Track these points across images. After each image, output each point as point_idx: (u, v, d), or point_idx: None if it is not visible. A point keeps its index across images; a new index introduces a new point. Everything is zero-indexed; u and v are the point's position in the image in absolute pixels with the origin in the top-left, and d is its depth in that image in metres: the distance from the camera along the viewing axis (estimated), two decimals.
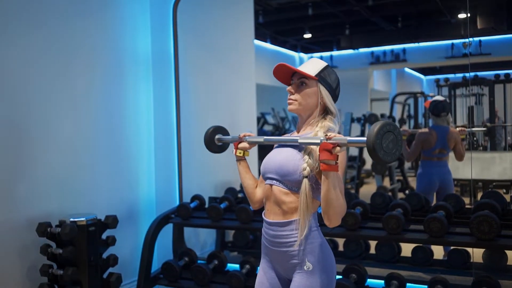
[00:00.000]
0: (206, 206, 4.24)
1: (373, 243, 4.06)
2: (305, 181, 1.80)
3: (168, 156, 4.43)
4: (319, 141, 1.72)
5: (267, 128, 9.38)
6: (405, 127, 8.17)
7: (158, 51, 4.40)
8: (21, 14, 3.31)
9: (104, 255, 3.51)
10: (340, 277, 3.29)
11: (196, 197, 4.25)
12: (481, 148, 5.14)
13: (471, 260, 3.63)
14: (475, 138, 5.12)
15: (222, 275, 3.76)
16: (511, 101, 4.92)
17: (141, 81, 4.33)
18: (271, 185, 1.93)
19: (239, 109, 5.41)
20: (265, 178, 1.97)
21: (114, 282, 3.48)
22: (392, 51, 9.55)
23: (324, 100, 1.90)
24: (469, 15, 4.98)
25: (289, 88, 1.95)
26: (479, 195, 4.68)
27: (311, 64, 1.95)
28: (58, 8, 3.57)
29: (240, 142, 2.15)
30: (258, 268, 2.10)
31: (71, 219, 3.24)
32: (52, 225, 3.26)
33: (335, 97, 1.93)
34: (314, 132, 1.88)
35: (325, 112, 1.94)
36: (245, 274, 3.60)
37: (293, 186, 1.86)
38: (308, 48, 11.31)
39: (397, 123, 7.51)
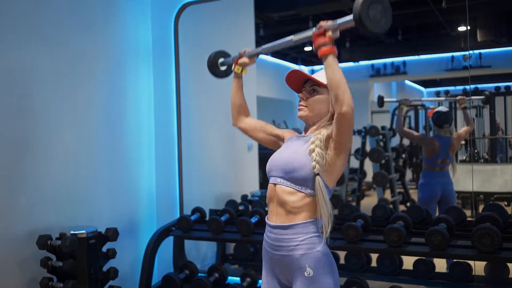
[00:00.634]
0: (207, 218, 4.23)
1: (374, 256, 4.05)
2: (318, 178, 1.82)
3: (168, 168, 4.43)
4: (311, 33, 1.76)
5: None
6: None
7: (159, 64, 4.41)
8: (22, 24, 3.33)
9: (105, 268, 3.50)
10: None
11: (196, 210, 4.24)
12: (482, 160, 5.13)
13: (473, 273, 3.62)
14: (476, 150, 5.11)
15: None
16: None
17: (142, 94, 4.34)
18: (274, 184, 1.93)
19: None
20: (269, 177, 1.98)
21: None
22: (392, 63, 9.56)
23: None
24: (469, 28, 5.00)
25: (300, 94, 1.98)
26: (481, 207, 4.66)
27: (324, 73, 1.97)
28: (60, 19, 3.60)
29: (240, 58, 2.20)
30: (260, 281, 2.09)
31: (72, 232, 3.24)
32: (52, 237, 3.25)
33: None
34: (319, 130, 1.92)
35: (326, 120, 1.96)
36: (246, 287, 3.59)
37: (298, 183, 1.86)
38: (309, 61, 11.32)
39: (397, 136, 7.52)
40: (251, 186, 5.50)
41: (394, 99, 5.40)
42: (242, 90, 2.26)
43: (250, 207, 4.46)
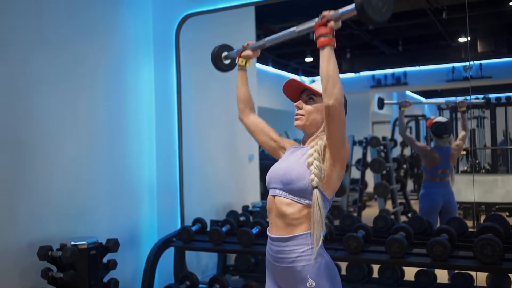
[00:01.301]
0: (208, 229, 4.23)
1: (375, 267, 4.03)
2: (316, 191, 1.82)
3: (169, 179, 4.43)
4: (314, 23, 1.77)
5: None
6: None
7: (161, 74, 4.44)
8: (23, 32, 3.35)
9: (105, 279, 3.49)
10: None
11: (197, 221, 4.23)
12: (483, 170, 5.12)
13: (475, 284, 3.60)
14: (477, 161, 5.10)
15: None
16: None
17: (144, 105, 4.35)
18: (273, 196, 1.94)
19: (241, 132, 5.38)
20: (269, 189, 1.99)
21: None
22: (393, 74, 9.57)
23: None
24: (469, 38, 5.02)
25: (297, 103, 1.99)
26: (482, 218, 4.64)
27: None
28: (60, 28, 3.63)
29: (243, 51, 2.20)
30: None
31: (72, 243, 3.24)
32: (53, 248, 3.24)
33: None
34: (315, 141, 1.91)
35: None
36: None
37: (296, 194, 1.87)
38: (309, 71, 11.34)
39: (398, 147, 7.52)
40: (252, 197, 5.49)
41: (395, 101, 5.40)
42: (247, 82, 2.29)
43: (251, 218, 4.45)
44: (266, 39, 2.16)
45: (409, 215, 6.77)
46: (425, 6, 6.22)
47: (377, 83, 9.96)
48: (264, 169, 6.25)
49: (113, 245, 3.48)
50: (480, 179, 4.80)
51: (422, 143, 4.56)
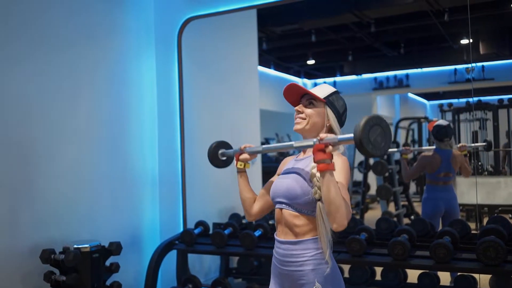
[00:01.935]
0: (210, 232, 4.23)
1: (378, 270, 4.02)
2: (319, 204, 1.83)
3: (172, 182, 4.43)
4: (312, 143, 1.77)
5: (271, 153, 9.39)
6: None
7: (163, 78, 4.44)
8: (23, 33, 3.35)
9: (108, 282, 3.49)
10: None
11: (200, 223, 4.24)
12: (486, 173, 5.12)
13: (478, 286, 3.59)
14: (480, 163, 5.10)
15: None
16: None
17: (145, 109, 4.36)
18: (281, 209, 1.95)
19: (243, 135, 5.42)
20: (275, 203, 2.01)
21: None
22: (395, 76, 9.57)
23: (331, 123, 1.95)
24: (471, 40, 5.01)
25: (297, 107, 2.00)
26: (485, 220, 4.63)
27: (321, 88, 2.01)
28: (62, 32, 3.63)
29: (241, 154, 2.19)
30: None
31: (75, 246, 3.24)
32: (55, 251, 3.25)
33: (341, 123, 2.00)
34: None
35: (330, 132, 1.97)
36: None
37: (302, 208, 1.89)
38: (311, 74, 11.36)
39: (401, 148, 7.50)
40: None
41: (396, 149, 5.42)
42: (249, 183, 2.23)
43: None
44: (263, 146, 2.17)
45: (412, 217, 6.77)
46: (426, 8, 6.22)
47: (379, 85, 9.96)
48: (266, 172, 6.24)
49: (115, 248, 3.49)
50: (483, 181, 4.79)
51: (421, 157, 4.54)
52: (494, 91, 5.67)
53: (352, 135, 1.64)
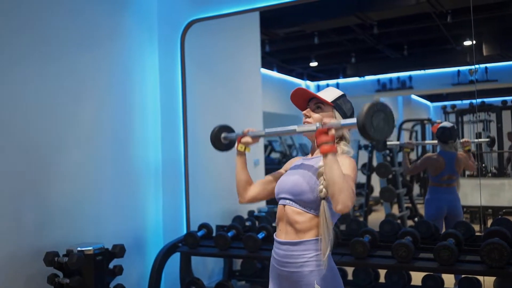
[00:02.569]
0: (214, 234, 4.22)
1: (382, 272, 4.01)
2: (323, 202, 1.84)
3: (175, 184, 4.44)
4: (315, 127, 1.79)
5: (274, 155, 9.39)
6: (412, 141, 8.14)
7: (166, 80, 4.45)
8: (28, 40, 3.36)
9: (111, 285, 3.49)
10: None
11: (203, 226, 4.23)
12: (490, 174, 5.10)
13: None
14: (484, 165, 5.09)
15: None
16: None
17: (149, 111, 4.36)
18: (284, 205, 1.96)
19: None
20: (278, 199, 2.01)
21: None
22: (398, 78, 9.56)
23: None
24: (474, 42, 5.01)
25: (305, 111, 2.00)
26: (489, 222, 4.62)
27: (328, 91, 2.01)
28: (64, 36, 3.64)
29: (243, 137, 2.20)
30: None
31: (79, 249, 3.24)
32: (59, 254, 3.25)
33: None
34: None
35: (339, 138, 1.98)
36: None
37: (306, 205, 1.89)
38: (314, 76, 11.36)
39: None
40: (258, 202, 5.49)
41: (397, 142, 5.41)
42: (246, 166, 2.25)
43: (257, 223, 4.44)
44: (266, 130, 2.18)
45: (416, 219, 6.75)
46: (429, 10, 6.22)
47: (382, 87, 9.95)
48: (269, 168, 6.25)
49: (119, 250, 3.49)
50: (486, 183, 4.78)
51: (425, 158, 4.54)
52: (498, 92, 5.66)
53: (355, 119, 1.64)
